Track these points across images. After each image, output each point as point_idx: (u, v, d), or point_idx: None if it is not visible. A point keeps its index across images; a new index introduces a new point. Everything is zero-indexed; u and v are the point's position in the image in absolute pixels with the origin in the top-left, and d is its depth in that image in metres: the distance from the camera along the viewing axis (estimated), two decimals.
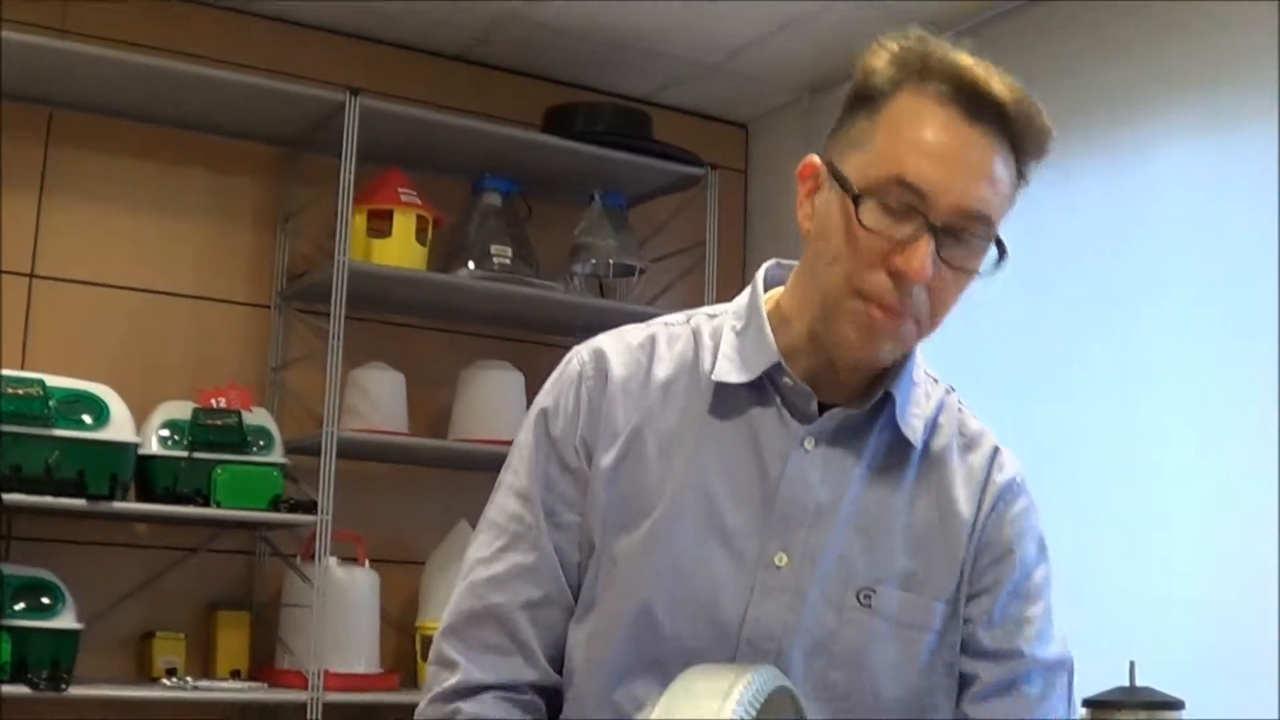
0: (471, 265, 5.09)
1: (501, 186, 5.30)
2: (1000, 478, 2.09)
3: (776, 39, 5.22)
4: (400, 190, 5.00)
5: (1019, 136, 1.93)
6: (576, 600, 2.05)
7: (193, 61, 4.77)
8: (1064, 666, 2.07)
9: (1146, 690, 3.77)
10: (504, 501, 2.09)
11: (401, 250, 4.97)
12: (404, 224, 4.98)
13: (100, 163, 4.94)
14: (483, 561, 2.07)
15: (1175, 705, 3.78)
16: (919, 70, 1.92)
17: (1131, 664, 3.74)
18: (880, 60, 1.96)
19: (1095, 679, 3.75)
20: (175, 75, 4.68)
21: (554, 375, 2.14)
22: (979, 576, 2.04)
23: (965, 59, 1.93)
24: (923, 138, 1.89)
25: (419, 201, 5.02)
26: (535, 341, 5.46)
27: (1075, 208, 4.64)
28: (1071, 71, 4.73)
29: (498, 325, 5.50)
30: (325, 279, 4.79)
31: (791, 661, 1.95)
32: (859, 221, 1.89)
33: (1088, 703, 3.81)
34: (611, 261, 5.46)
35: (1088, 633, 4.09)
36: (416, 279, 5.03)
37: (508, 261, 5.15)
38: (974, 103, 1.90)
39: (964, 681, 2.03)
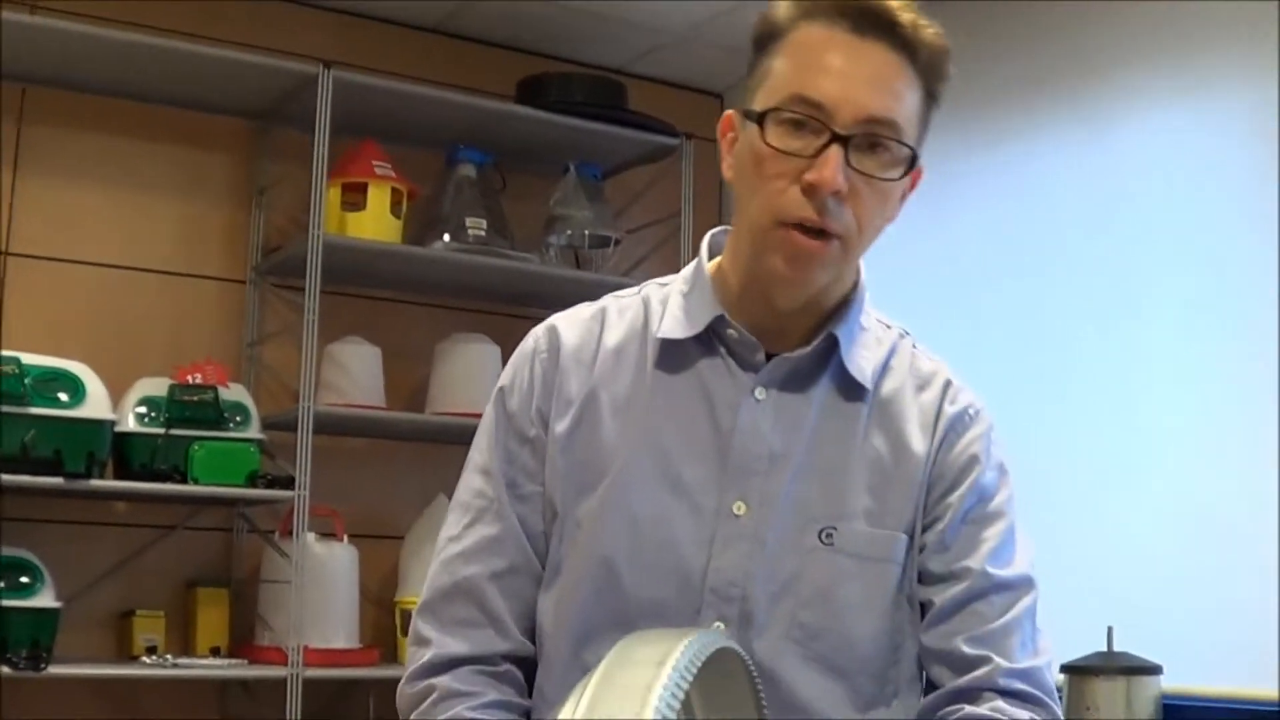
0: (447, 238, 5.08)
1: (476, 158, 5.29)
2: (952, 409, 2.10)
3: (750, 7, 5.16)
4: (374, 163, 4.98)
5: (912, 47, 1.96)
6: (545, 568, 2.08)
7: (165, 36, 4.73)
8: (1025, 585, 2.04)
9: (1124, 655, 3.80)
10: (469, 479, 2.14)
11: (376, 223, 4.95)
12: (378, 197, 4.97)
13: (73, 139, 4.91)
14: (452, 539, 2.11)
15: (1153, 670, 3.80)
16: (810, 5, 1.97)
17: (1109, 629, 3.76)
18: (776, 5, 2.01)
19: (1073, 645, 3.77)
20: (147, 50, 4.66)
21: (514, 355, 2.18)
22: (933, 505, 2.05)
23: None
24: (816, 57, 1.94)
25: (393, 174, 5.01)
26: (512, 314, 5.45)
27: (1057, 162, 4.65)
28: (1055, 36, 4.74)
29: (474, 298, 5.49)
30: (300, 253, 4.77)
31: (758, 605, 1.97)
32: (765, 143, 1.93)
33: (1066, 668, 3.83)
34: (587, 232, 5.45)
35: (1066, 600, 4.11)
36: (391, 252, 5.02)
37: (483, 233, 5.14)
38: (861, 18, 1.94)
39: (922, 612, 2.04)
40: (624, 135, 5.44)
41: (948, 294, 4.86)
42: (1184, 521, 4.11)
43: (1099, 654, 3.84)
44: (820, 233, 1.93)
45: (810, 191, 1.91)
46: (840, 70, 1.92)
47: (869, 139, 1.93)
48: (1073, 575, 4.19)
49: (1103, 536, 4.28)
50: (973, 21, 4.95)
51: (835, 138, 1.90)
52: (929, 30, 1.98)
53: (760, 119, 1.94)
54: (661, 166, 5.63)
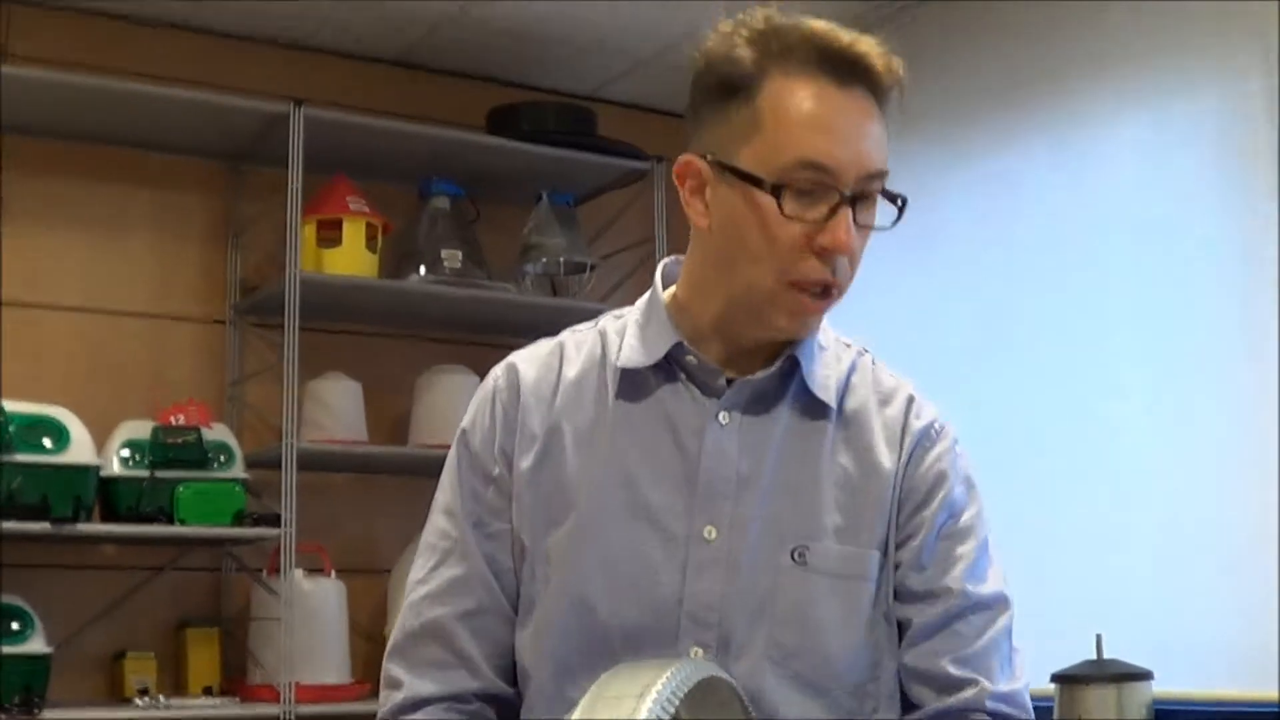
0: (423, 270, 5.10)
1: (449, 190, 5.31)
2: (917, 424, 2.11)
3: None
4: (348, 199, 5.00)
5: (885, 90, 1.98)
6: (517, 606, 2.08)
7: (134, 80, 4.77)
8: (1001, 604, 2.06)
9: (1114, 663, 3.80)
10: (434, 521, 2.14)
11: (352, 259, 4.97)
12: (353, 232, 4.98)
13: (48, 185, 4.92)
14: (419, 581, 2.11)
15: (1144, 676, 3.81)
16: (781, 49, 1.96)
17: (1098, 637, 3.77)
18: (736, 47, 1.99)
19: (1063, 654, 3.78)
20: (117, 95, 4.69)
21: (475, 395, 2.18)
22: (905, 522, 2.06)
23: (819, 26, 1.97)
24: (811, 115, 1.93)
25: (367, 209, 5.03)
26: (490, 344, 5.44)
27: (1023, 184, 4.68)
28: (1014, 49, 4.77)
29: (452, 329, 5.50)
30: (278, 291, 4.79)
31: (735, 628, 1.97)
32: (782, 211, 1.92)
33: (1056, 677, 3.84)
34: (562, 260, 5.47)
35: (1054, 608, 4.15)
36: (368, 287, 5.04)
37: (458, 265, 5.16)
38: (843, 68, 1.94)
39: (901, 630, 2.05)
40: (595, 161, 5.47)
41: (919, 304, 4.88)
42: (1166, 526, 4.13)
43: (1089, 662, 3.84)
44: (824, 290, 1.96)
45: (824, 254, 1.93)
46: (840, 130, 1.93)
47: (867, 194, 1.95)
48: (1060, 584, 4.22)
49: (1087, 545, 4.29)
50: (939, 31, 4.99)
51: (844, 200, 1.92)
52: (895, 65, 1.98)
53: (775, 190, 1.92)
54: (634, 190, 5.66)
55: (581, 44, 5.47)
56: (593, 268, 5.52)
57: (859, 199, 1.94)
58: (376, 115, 5.19)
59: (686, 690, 1.59)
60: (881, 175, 1.97)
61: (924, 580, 2.03)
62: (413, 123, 5.20)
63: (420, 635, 2.07)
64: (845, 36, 1.96)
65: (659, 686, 1.57)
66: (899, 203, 2.00)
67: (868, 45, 1.96)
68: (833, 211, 1.92)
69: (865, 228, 1.97)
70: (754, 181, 1.94)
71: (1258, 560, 3.87)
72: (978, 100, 4.85)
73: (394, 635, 2.11)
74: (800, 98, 1.94)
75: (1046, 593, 4.22)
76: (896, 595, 2.04)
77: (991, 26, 4.88)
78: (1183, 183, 4.21)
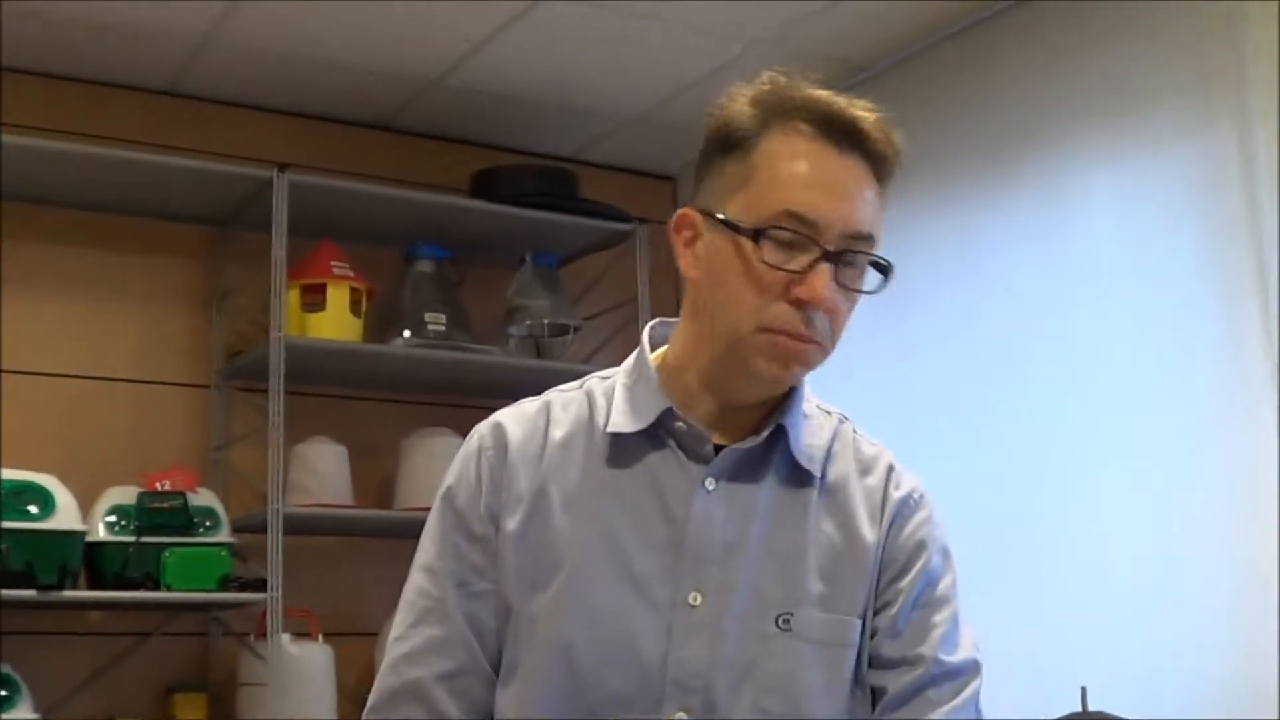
0: (407, 334, 5.12)
1: (433, 253, 5.35)
2: (897, 494, 2.15)
3: (697, 89, 5.25)
4: (332, 263, 5.03)
5: (881, 159, 2.03)
6: (497, 666, 2.08)
7: (119, 146, 4.80)
8: (972, 671, 2.09)
9: (1100, 715, 3.80)
10: (414, 579, 2.15)
11: (337, 323, 4.99)
12: (338, 296, 5.00)
13: (34, 252, 4.94)
14: (398, 640, 2.11)
15: None
16: (781, 110, 2.02)
17: (1083, 689, 3.78)
18: (740, 106, 2.06)
19: (1048, 706, 3.79)
20: (103, 161, 4.71)
21: (459, 453, 2.19)
22: (884, 591, 2.09)
23: (820, 93, 2.03)
24: (802, 171, 1.99)
25: (351, 273, 5.05)
26: (475, 406, 5.36)
27: (1010, 230, 4.70)
28: (1000, 101, 4.80)
29: (437, 392, 5.51)
30: (262, 356, 4.80)
31: (720, 694, 1.99)
32: (762, 260, 1.97)
33: None
34: (546, 322, 5.49)
35: (1038, 660, 4.17)
36: (353, 351, 5.06)
37: (442, 328, 5.19)
38: (839, 132, 2.00)
39: (874, 697, 2.07)
40: (578, 224, 5.49)
41: (901, 361, 4.90)
42: (1146, 575, 4.14)
43: (1075, 715, 3.85)
44: (804, 340, 1.99)
45: (800, 305, 1.96)
46: (829, 187, 1.98)
47: (851, 255, 1.99)
48: (1044, 638, 4.23)
49: (1069, 597, 4.30)
50: (920, 90, 5.02)
51: (825, 255, 1.96)
52: (893, 138, 2.03)
53: (755, 236, 1.97)
54: (617, 252, 5.69)
55: (563, 107, 5.51)
56: (576, 329, 5.54)
57: (844, 260, 1.98)
58: (360, 180, 5.23)
59: None
60: (868, 239, 2.00)
61: (899, 648, 2.06)
62: (396, 187, 5.23)
63: (399, 695, 2.07)
64: (845, 102, 2.02)
65: None
66: (886, 269, 2.03)
67: (866, 112, 2.02)
68: (812, 265, 1.96)
69: (849, 289, 2.00)
70: (738, 229, 1.98)
71: (1244, 605, 3.89)
72: (952, 159, 4.88)
73: (373, 695, 2.11)
74: (792, 154, 1.99)
75: (1031, 648, 4.25)
76: (870, 662, 2.07)
77: (969, 90, 4.91)
78: (1159, 235, 4.24)
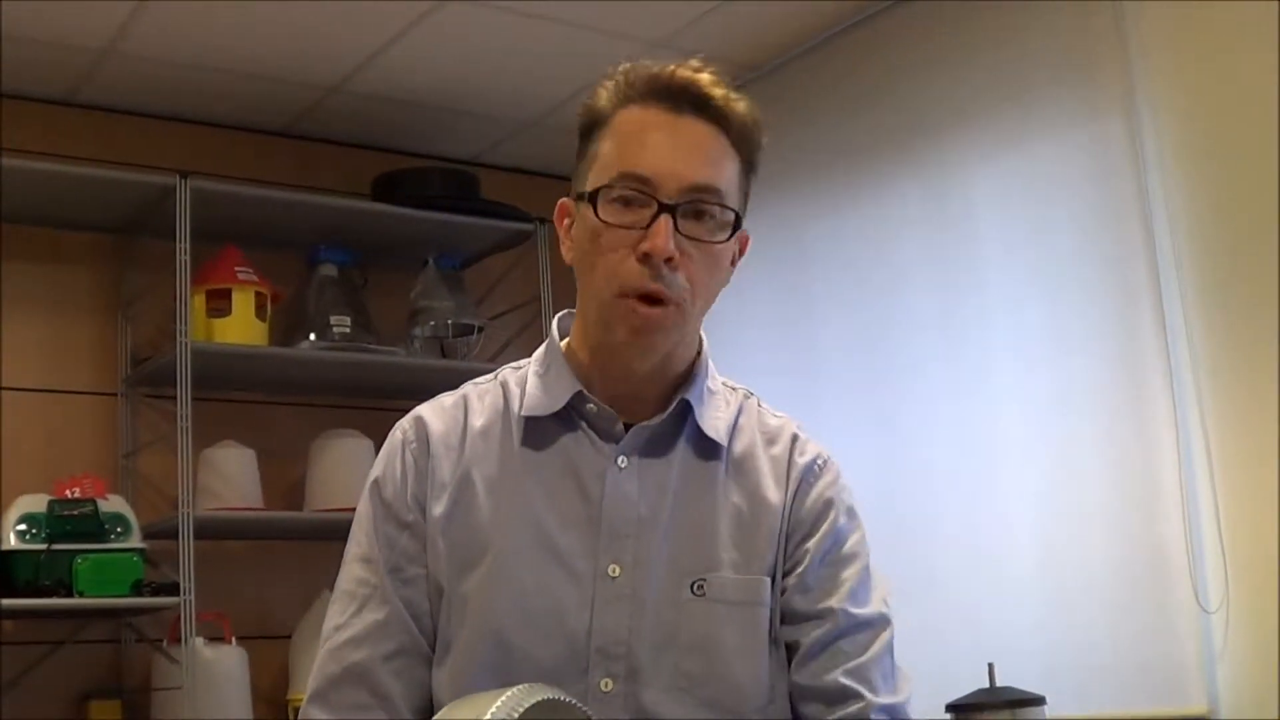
0: (313, 337, 5.16)
1: (336, 257, 5.39)
2: (802, 460, 2.24)
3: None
4: (237, 269, 5.05)
5: (725, 120, 2.12)
6: (434, 647, 2.15)
7: (20, 156, 4.79)
8: (881, 623, 2.17)
9: (1007, 690, 3.87)
10: (350, 570, 2.20)
11: (242, 328, 5.02)
12: (243, 301, 5.03)
13: None
14: (339, 627, 2.17)
15: (1036, 701, 3.88)
16: (628, 88, 2.13)
17: (990, 665, 3.85)
18: (598, 94, 2.17)
19: (956, 684, 3.86)
20: (4, 171, 4.70)
21: (383, 448, 2.26)
22: (793, 552, 2.18)
23: (660, 65, 2.13)
24: (638, 136, 2.10)
25: (256, 278, 5.07)
26: (382, 408, 5.47)
27: (902, 220, 4.77)
28: (890, 96, 4.87)
29: (344, 394, 5.54)
30: (169, 362, 4.82)
31: (642, 660, 2.08)
32: (600, 219, 2.07)
33: (951, 707, 3.91)
34: (450, 322, 5.55)
35: (945, 639, 4.25)
36: (259, 355, 5.09)
37: (348, 330, 5.22)
38: (676, 97, 2.11)
39: (790, 653, 2.15)
40: (479, 225, 5.55)
41: (804, 352, 4.95)
42: (1051, 556, 4.23)
43: (982, 690, 3.91)
44: (658, 300, 2.06)
45: (645, 260, 2.04)
46: (661, 145, 2.08)
47: (694, 206, 2.07)
48: (952, 617, 4.32)
49: (975, 575, 4.39)
50: (812, 86, 5.10)
51: (663, 208, 2.05)
52: (740, 104, 2.13)
53: (593, 198, 2.08)
54: (518, 252, 5.73)
55: (463, 110, 5.56)
56: (480, 329, 5.59)
57: (684, 212, 2.06)
58: (263, 185, 5.25)
59: (521, 711, 1.70)
60: (711, 190, 2.08)
61: (809, 602, 2.14)
62: (299, 192, 5.27)
63: (342, 679, 2.12)
64: (681, 67, 2.12)
65: (494, 708, 1.71)
66: (736, 222, 2.12)
67: (701, 74, 2.12)
68: (653, 220, 2.05)
69: (697, 240, 2.07)
70: (582, 196, 2.11)
71: (1137, 584, 3.99)
72: (845, 153, 4.95)
73: (313, 681, 2.16)
74: (633, 122, 2.11)
75: (940, 625, 4.33)
76: (784, 619, 2.15)
77: (858, 87, 4.99)
78: (1050, 220, 4.34)
